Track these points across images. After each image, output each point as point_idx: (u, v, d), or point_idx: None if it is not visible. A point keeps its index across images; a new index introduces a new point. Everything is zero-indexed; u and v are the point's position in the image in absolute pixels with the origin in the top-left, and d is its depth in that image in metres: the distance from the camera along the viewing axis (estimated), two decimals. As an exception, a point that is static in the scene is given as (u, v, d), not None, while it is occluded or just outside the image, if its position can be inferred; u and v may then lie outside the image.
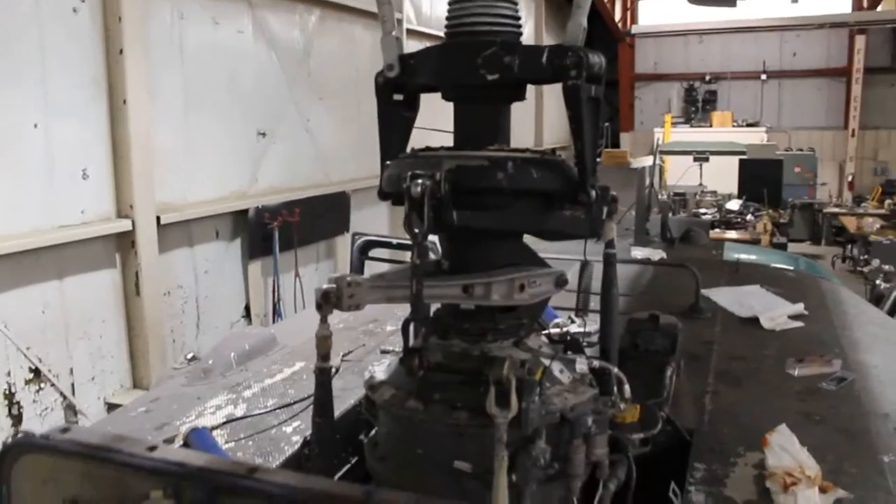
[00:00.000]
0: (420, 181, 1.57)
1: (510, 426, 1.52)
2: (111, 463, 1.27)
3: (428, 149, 1.81)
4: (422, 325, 1.59)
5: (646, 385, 2.16)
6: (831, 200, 21.37)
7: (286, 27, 8.93)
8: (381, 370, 1.87)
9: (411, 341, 1.72)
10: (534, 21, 19.59)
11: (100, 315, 6.52)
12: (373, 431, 1.92)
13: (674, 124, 22.50)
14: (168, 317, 7.18)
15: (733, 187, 17.67)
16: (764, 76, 24.42)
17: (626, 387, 1.82)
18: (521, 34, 1.80)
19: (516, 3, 1.80)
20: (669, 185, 15.76)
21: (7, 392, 5.79)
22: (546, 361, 1.75)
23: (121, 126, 6.52)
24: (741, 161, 17.62)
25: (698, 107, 24.51)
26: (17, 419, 5.88)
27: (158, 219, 6.83)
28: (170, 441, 2.22)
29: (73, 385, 6.33)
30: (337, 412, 2.39)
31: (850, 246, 16.52)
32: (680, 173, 16.14)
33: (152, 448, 1.31)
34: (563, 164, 1.72)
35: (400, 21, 11.03)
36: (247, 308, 8.29)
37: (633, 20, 24.90)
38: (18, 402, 5.89)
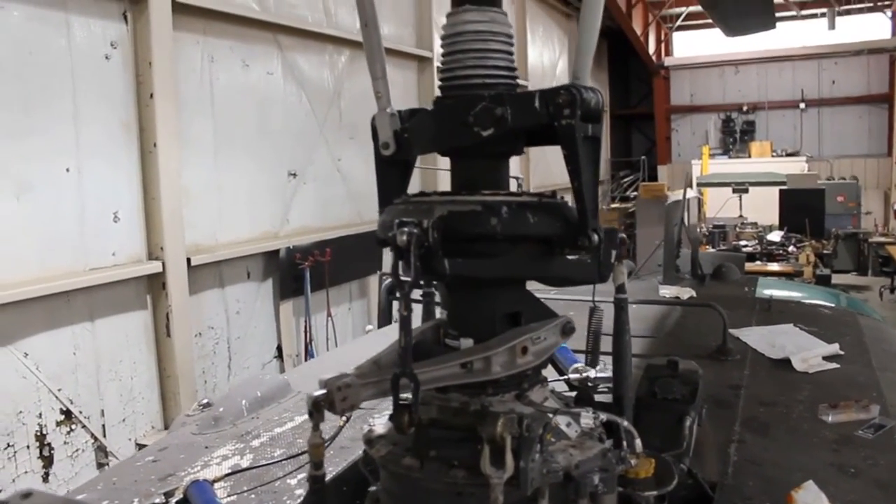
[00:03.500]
0: (406, 229, 1.50)
1: (512, 485, 1.43)
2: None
3: (422, 194, 1.75)
4: (412, 380, 1.51)
5: (664, 436, 2.05)
6: (877, 230, 20.87)
7: (316, 68, 9.03)
8: (381, 423, 1.80)
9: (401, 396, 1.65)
10: (565, 60, 19.59)
11: (130, 356, 6.56)
12: (373, 487, 1.84)
13: (712, 156, 22.27)
14: (199, 358, 7.20)
15: (774, 218, 17.36)
16: (803, 105, 24.11)
17: (637, 441, 1.71)
18: (516, 84, 1.74)
19: (511, 53, 1.75)
20: (709, 218, 15.55)
21: (38, 434, 5.82)
22: (549, 415, 1.66)
23: (151, 169, 6.61)
24: (782, 192, 17.32)
25: (736, 137, 24.25)
26: (48, 461, 5.91)
27: (189, 260, 6.88)
28: (170, 494, 2.17)
29: (103, 426, 6.35)
30: (344, 463, 2.33)
31: (897, 276, 16.05)
32: (719, 205, 15.93)
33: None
34: (564, 208, 1.65)
35: (430, 59, 11.10)
36: (279, 348, 8.29)
37: (668, 52, 24.84)
38: (49, 444, 5.91)
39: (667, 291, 4.85)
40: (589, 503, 1.58)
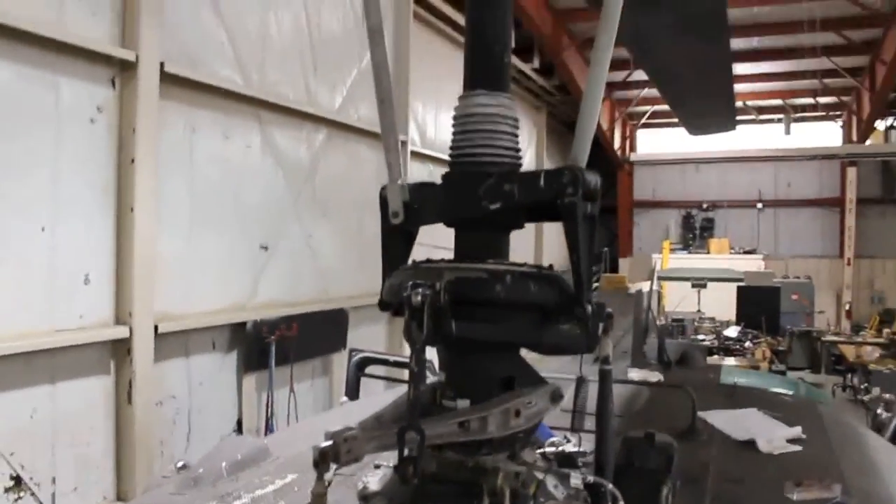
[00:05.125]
0: (420, 290, 1.61)
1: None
2: None
3: (429, 261, 1.86)
4: (418, 433, 1.58)
5: (642, 504, 2.12)
6: (829, 328, 21.37)
7: (293, 144, 9.21)
8: (374, 481, 1.86)
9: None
10: (534, 149, 20.19)
11: (88, 422, 6.42)
12: None
13: (672, 250, 22.81)
14: (159, 428, 7.06)
15: (731, 314, 17.73)
16: (760, 205, 24.97)
17: (622, 503, 1.79)
18: (521, 164, 1.88)
19: (516, 135, 1.89)
20: (668, 311, 15.83)
21: (-15, 501, 5.64)
22: (540, 475, 1.74)
23: (126, 233, 6.63)
24: (739, 288, 17.76)
25: (696, 233, 24.92)
26: (-7, 530, 5.70)
27: (156, 327, 6.83)
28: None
29: (53, 495, 6.14)
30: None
31: (850, 375, 16.38)
32: (678, 300, 16.24)
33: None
34: (560, 279, 1.77)
35: (405, 143, 11.38)
36: (239, 422, 8.16)
37: (632, 148, 25.67)
38: (-4, 512, 5.72)
39: (636, 374, 4.97)
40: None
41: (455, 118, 1.89)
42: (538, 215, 1.86)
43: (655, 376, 4.91)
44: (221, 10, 7.90)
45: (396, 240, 1.94)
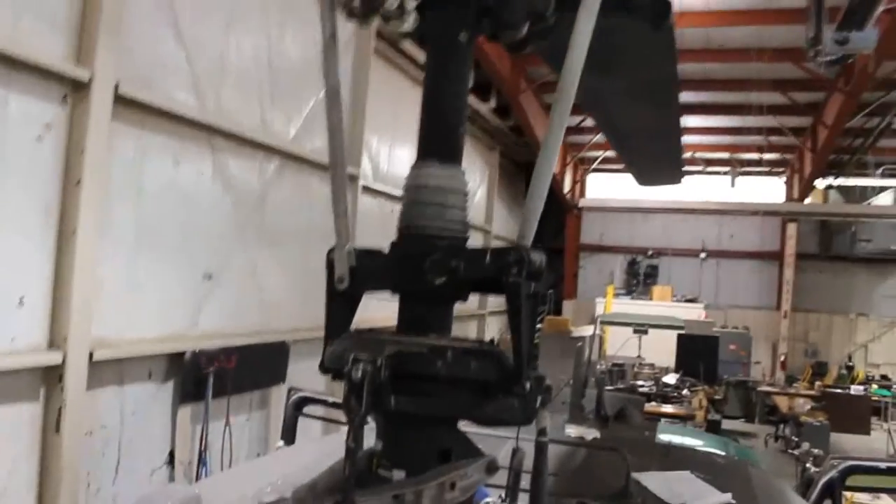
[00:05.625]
0: (361, 365, 1.61)
1: None
2: None
3: (371, 331, 1.87)
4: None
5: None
6: (764, 379, 21.89)
7: (245, 172, 9.13)
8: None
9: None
10: (486, 188, 20.35)
11: (11, 451, 6.17)
12: None
13: (615, 295, 23.13)
14: (87, 458, 6.83)
15: (671, 361, 18.05)
16: (703, 255, 25.53)
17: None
18: (468, 237, 1.91)
19: (465, 208, 1.92)
20: (609, 356, 16.04)
21: None
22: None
23: (66, 256, 6.45)
24: (679, 336, 18.10)
25: (640, 280, 25.33)
26: None
27: (91, 354, 6.64)
28: None
29: (-31, 527, 5.92)
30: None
31: (782, 425, 16.79)
32: (619, 344, 16.46)
33: None
34: (501, 356, 1.79)
35: (356, 178, 11.38)
36: (171, 454, 7.95)
37: (582, 192, 26.08)
38: None
39: (573, 431, 5.01)
40: None
41: (406, 188, 1.91)
42: (483, 288, 1.88)
43: (592, 433, 4.96)
44: (182, 31, 7.83)
45: (341, 305, 1.94)
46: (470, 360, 1.75)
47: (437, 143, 1.91)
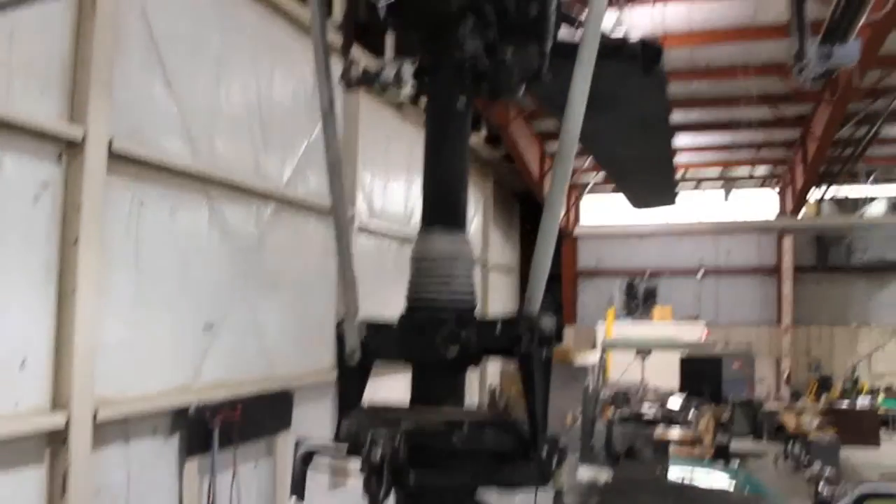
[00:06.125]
0: (380, 447, 1.60)
1: None
2: None
3: (387, 409, 1.86)
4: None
5: None
6: (770, 396, 21.75)
7: (241, 219, 9.12)
8: None
9: None
10: (482, 217, 20.34)
11: (18, 517, 6.10)
12: None
13: (616, 318, 23.05)
14: (93, 519, 6.74)
15: (674, 382, 17.94)
16: (701, 273, 25.49)
17: None
18: (475, 304, 1.91)
19: (471, 275, 1.92)
20: (612, 381, 15.95)
21: None
22: None
23: (67, 315, 6.43)
24: (682, 360, 18.03)
25: (639, 302, 25.25)
26: None
27: (95, 414, 6.59)
28: None
29: None
30: None
31: (791, 442, 16.62)
32: (622, 368, 16.39)
33: None
34: (517, 426, 1.79)
35: (352, 218, 11.39)
36: (179, 509, 7.86)
37: (577, 218, 26.08)
38: None
39: (585, 472, 4.97)
40: None
41: (413, 259, 1.91)
42: (494, 353, 1.88)
43: (605, 474, 4.92)
44: (172, 84, 7.87)
45: (353, 378, 1.94)
46: (486, 431, 1.74)
47: (441, 211, 1.93)
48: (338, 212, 1.96)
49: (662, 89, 3.11)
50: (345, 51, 1.96)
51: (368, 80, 1.85)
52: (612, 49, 2.18)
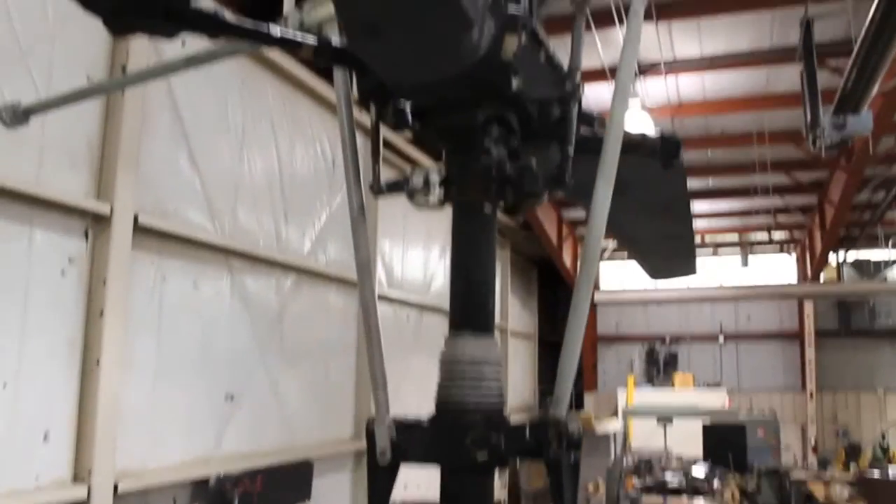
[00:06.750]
0: None
1: None
2: None
3: (413, 507, 1.90)
4: None
5: None
6: (796, 464, 21.27)
7: (263, 290, 9.23)
8: None
9: None
10: (500, 282, 20.39)
11: None
12: None
13: (637, 385, 22.82)
14: None
15: (698, 449, 17.61)
16: (721, 339, 25.25)
17: None
18: (504, 404, 1.95)
19: (499, 378, 1.97)
20: (634, 449, 15.71)
21: None
22: None
23: (90, 387, 6.49)
24: (704, 427, 17.75)
25: (659, 368, 25.02)
26: None
27: (116, 486, 6.59)
28: None
29: None
30: None
31: (821, 515, 16.19)
32: (644, 436, 16.16)
33: None
34: None
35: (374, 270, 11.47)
36: (197, 583, 7.77)
37: (596, 284, 26.03)
38: None
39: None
40: None
41: (441, 361, 1.96)
42: (523, 456, 1.92)
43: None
44: (196, 158, 8.08)
45: (382, 478, 1.97)
46: None
47: (469, 315, 1.98)
48: (368, 312, 2.01)
49: (682, 175, 3.19)
50: (374, 160, 2.04)
51: (397, 188, 1.93)
52: (633, 145, 2.25)
